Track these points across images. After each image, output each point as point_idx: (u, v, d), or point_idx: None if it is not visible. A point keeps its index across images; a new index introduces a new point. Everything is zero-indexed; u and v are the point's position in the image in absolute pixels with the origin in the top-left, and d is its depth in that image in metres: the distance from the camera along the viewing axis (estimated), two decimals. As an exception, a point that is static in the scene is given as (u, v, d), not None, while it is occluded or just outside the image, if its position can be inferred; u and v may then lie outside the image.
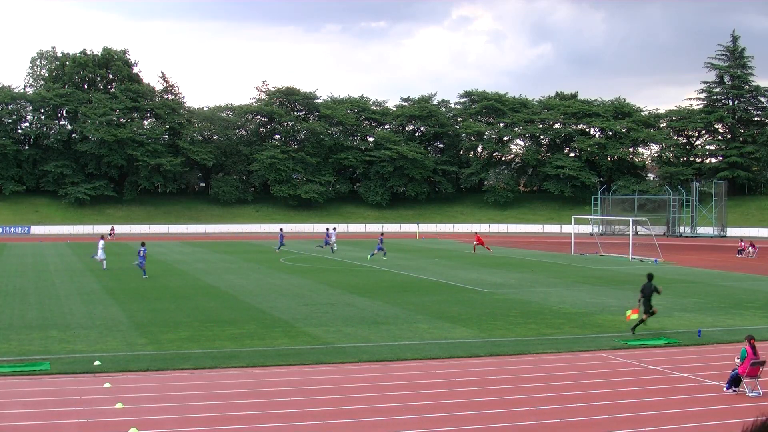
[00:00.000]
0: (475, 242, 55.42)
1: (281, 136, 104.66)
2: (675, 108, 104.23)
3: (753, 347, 15.68)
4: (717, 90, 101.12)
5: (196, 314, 25.04)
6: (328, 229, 58.87)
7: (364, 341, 20.68)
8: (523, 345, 20.52)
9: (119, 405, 14.45)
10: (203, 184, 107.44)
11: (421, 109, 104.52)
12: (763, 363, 15.88)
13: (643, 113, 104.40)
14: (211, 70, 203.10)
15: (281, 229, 60.92)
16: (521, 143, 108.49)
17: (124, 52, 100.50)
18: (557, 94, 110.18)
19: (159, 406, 14.56)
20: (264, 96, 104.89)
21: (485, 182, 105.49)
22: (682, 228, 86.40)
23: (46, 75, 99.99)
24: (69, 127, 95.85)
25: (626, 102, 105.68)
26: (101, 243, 41.74)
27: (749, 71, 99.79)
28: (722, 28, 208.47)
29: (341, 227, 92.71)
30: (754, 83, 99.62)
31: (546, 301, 28.79)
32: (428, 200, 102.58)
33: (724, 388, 15.88)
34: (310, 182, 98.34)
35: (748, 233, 78.17)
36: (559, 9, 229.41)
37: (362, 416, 14.12)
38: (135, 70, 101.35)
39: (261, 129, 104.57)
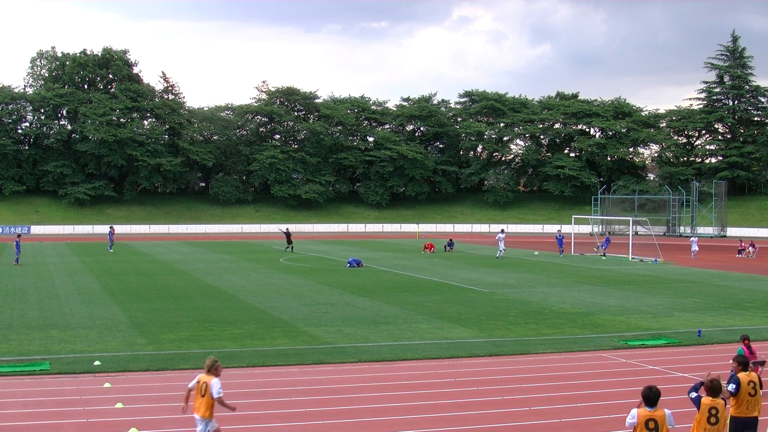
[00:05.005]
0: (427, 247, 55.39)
1: (281, 136, 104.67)
2: (675, 108, 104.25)
3: (749, 347, 15.67)
4: (717, 90, 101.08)
5: (196, 314, 25.04)
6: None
7: (364, 341, 20.68)
8: (523, 345, 20.52)
9: (119, 405, 14.46)
10: (203, 184, 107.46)
11: (421, 109, 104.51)
12: (762, 363, 15.88)
13: (643, 113, 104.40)
14: (211, 70, 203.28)
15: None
16: (521, 143, 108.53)
17: (124, 52, 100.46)
18: (557, 94, 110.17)
19: (159, 406, 14.57)
20: (264, 96, 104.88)
21: (485, 182, 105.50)
22: (682, 228, 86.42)
23: (46, 75, 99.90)
24: (69, 127, 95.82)
25: (626, 102, 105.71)
26: (502, 235, 48.91)
27: (749, 71, 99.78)
28: (722, 28, 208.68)
29: (341, 227, 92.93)
30: (754, 83, 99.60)
31: (546, 301, 28.79)
32: (428, 200, 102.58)
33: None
34: (310, 182, 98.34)
35: (748, 233, 78.21)
36: (559, 9, 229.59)
37: (362, 416, 14.13)
38: (135, 70, 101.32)
39: (261, 129, 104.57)
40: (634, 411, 9.61)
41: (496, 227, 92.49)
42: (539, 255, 52.62)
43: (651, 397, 9.53)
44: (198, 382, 11.17)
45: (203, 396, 10.97)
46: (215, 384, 10.96)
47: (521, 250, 57.53)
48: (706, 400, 10.16)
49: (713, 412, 10.09)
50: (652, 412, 9.51)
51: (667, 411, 9.61)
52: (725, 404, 10.39)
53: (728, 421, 10.81)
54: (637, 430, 9.52)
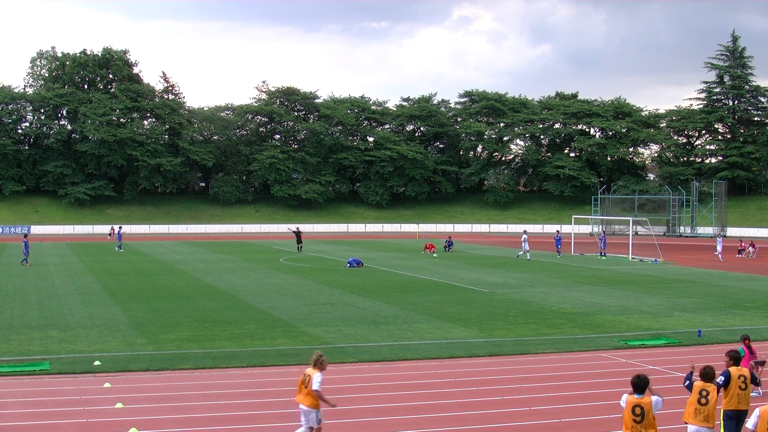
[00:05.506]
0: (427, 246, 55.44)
1: (281, 136, 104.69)
2: (675, 108, 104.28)
3: (749, 347, 15.67)
4: (717, 90, 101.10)
5: (196, 314, 25.03)
6: (117, 228, 59.20)
7: (364, 341, 20.68)
8: (523, 345, 20.52)
9: (119, 405, 14.46)
10: (203, 184, 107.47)
11: (421, 109, 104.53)
12: (763, 363, 15.88)
13: (643, 113, 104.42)
14: (211, 70, 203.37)
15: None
16: (521, 143, 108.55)
17: (125, 52, 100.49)
18: (557, 94, 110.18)
19: (159, 406, 14.57)
20: (264, 96, 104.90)
21: (485, 182, 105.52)
22: (682, 228, 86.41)
23: (46, 75, 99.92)
24: (69, 127, 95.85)
25: (626, 102, 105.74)
26: (525, 236, 49.39)
27: (749, 71, 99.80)
28: (722, 28, 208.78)
29: (341, 227, 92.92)
30: (754, 83, 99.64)
31: (546, 301, 28.79)
32: (428, 200, 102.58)
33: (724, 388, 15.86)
34: (310, 182, 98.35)
35: (748, 233, 78.20)
36: (559, 9, 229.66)
37: (362, 416, 14.13)
38: (135, 70, 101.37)
39: (261, 129, 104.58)
40: (625, 396, 10.33)
41: (496, 227, 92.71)
42: (540, 254, 52.58)
43: (639, 385, 10.22)
44: (303, 374, 11.98)
45: (306, 387, 11.82)
46: (316, 377, 11.79)
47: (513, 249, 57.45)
48: (698, 383, 10.84)
49: (703, 393, 10.75)
50: (640, 399, 10.16)
51: (653, 397, 10.19)
52: (717, 389, 10.93)
53: (721, 415, 11.36)
54: (625, 415, 10.17)
